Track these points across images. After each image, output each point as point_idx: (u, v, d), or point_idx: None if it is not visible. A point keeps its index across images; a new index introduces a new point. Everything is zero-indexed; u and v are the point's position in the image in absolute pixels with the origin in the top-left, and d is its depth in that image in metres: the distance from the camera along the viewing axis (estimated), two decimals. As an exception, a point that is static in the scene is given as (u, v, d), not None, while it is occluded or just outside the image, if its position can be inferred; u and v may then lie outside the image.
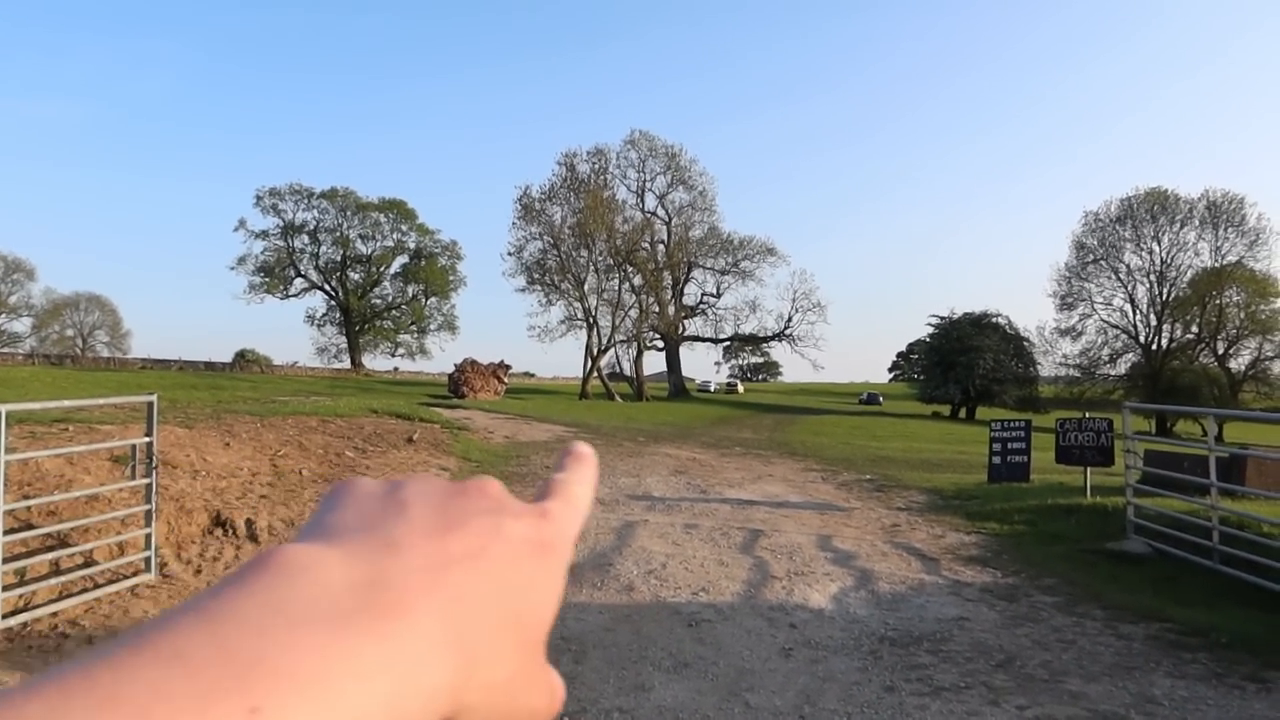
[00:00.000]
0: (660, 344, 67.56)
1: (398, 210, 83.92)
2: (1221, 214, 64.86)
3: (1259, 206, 69.02)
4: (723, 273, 68.16)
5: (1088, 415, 11.75)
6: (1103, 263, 66.93)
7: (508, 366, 42.23)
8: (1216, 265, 64.30)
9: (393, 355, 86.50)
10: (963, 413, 63.62)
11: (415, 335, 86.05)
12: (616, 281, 55.98)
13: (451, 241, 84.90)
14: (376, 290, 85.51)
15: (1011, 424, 13.82)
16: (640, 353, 59.98)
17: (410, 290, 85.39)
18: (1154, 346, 65.92)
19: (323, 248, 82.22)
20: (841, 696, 5.04)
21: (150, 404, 6.90)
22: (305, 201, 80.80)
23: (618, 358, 61.05)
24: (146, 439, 6.84)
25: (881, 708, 4.89)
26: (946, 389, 62.09)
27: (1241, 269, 63.90)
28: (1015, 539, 9.49)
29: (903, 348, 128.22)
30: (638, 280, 58.71)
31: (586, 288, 53.90)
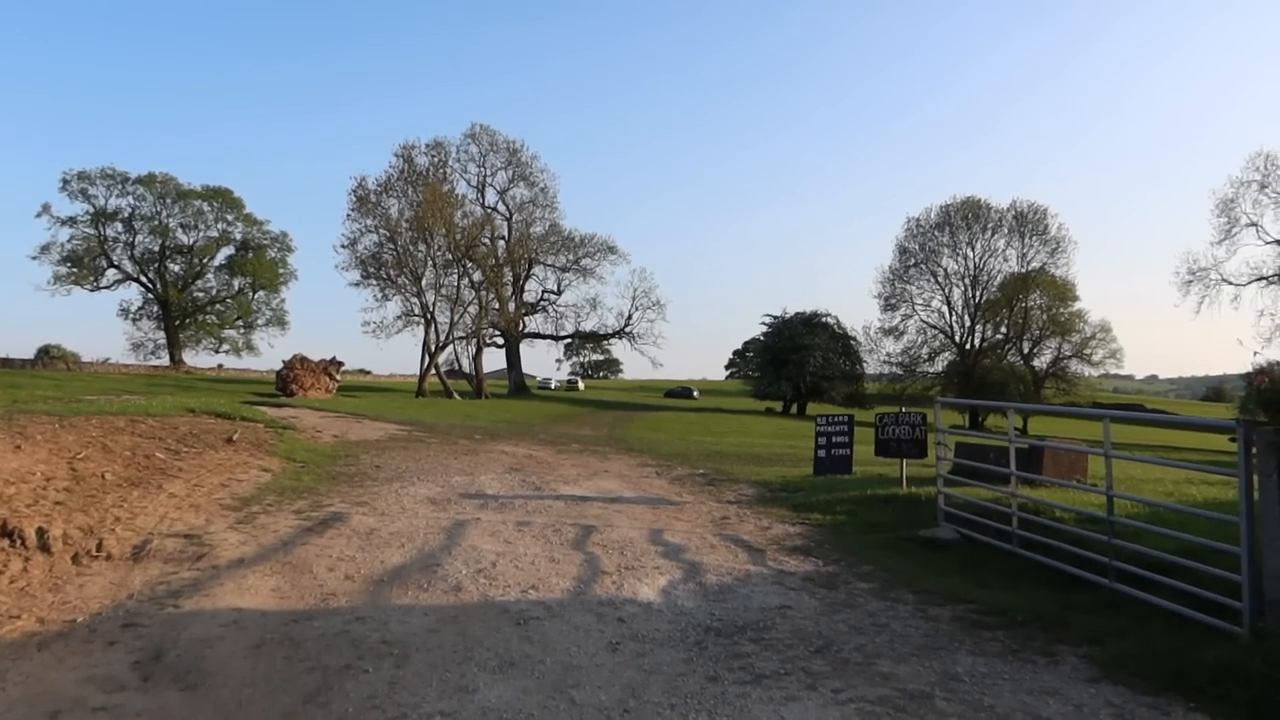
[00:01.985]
0: (500, 341, 66.94)
1: (223, 199, 79.68)
2: (1027, 223, 69.86)
3: (1059, 217, 74.20)
4: (564, 270, 68.24)
5: (903, 410, 12.38)
6: (923, 266, 70.84)
7: (340, 363, 40.85)
8: (1023, 270, 69.12)
9: (216, 352, 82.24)
10: (794, 408, 65.92)
11: (241, 331, 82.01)
12: (456, 277, 55.05)
13: (281, 233, 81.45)
14: (199, 283, 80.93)
15: (836, 419, 14.41)
16: (480, 350, 59.23)
17: (236, 283, 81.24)
18: (968, 346, 70.25)
19: (139, 237, 77.15)
20: (666, 688, 5.09)
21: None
22: (119, 187, 75.57)
23: (456, 355, 60.06)
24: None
25: (705, 697, 4.97)
26: (779, 385, 64.22)
27: (1044, 274, 68.98)
28: (837, 529, 9.89)
29: (739, 345, 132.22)
30: (477, 276, 57.87)
31: (424, 283, 52.69)
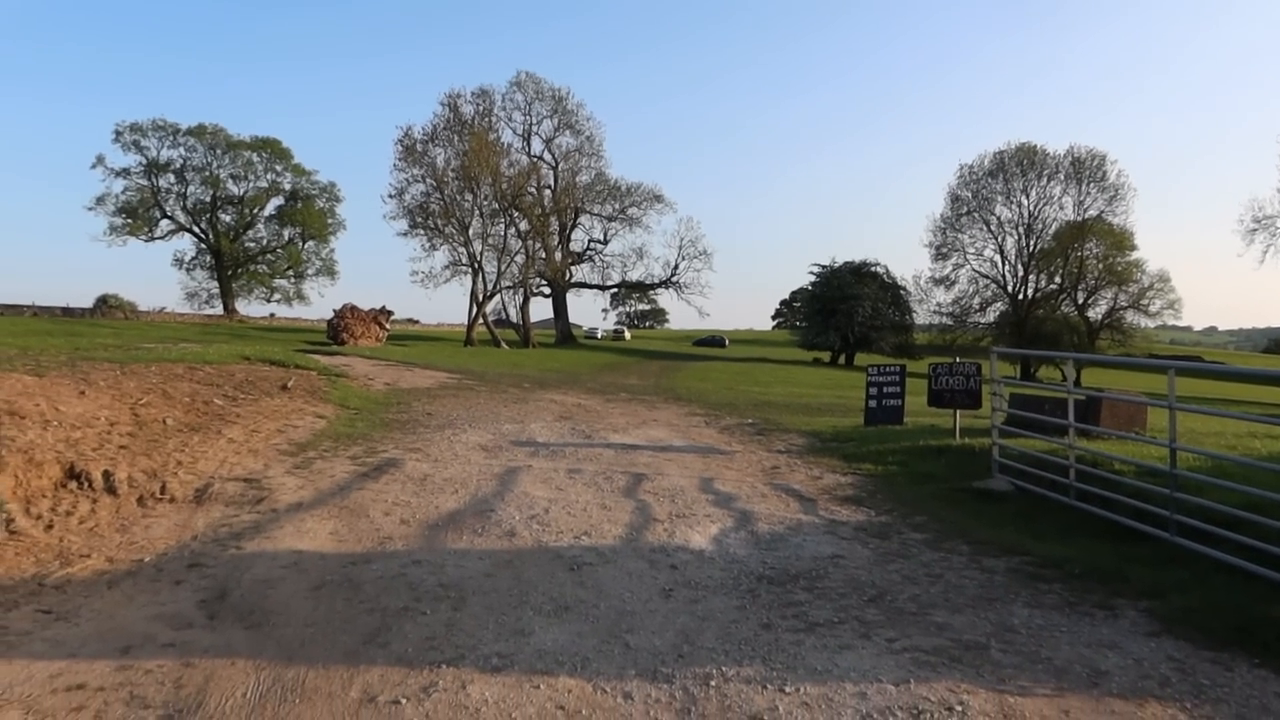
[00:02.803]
0: (547, 290, 67.07)
1: (271, 149, 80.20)
2: (1085, 170, 67.91)
3: (1119, 164, 72.09)
4: (610, 219, 67.96)
5: (958, 360, 12.20)
6: (975, 214, 69.37)
7: (390, 312, 41.25)
8: (1079, 219, 67.42)
9: (268, 301, 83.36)
10: (842, 359, 65.40)
11: (292, 280, 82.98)
12: (502, 226, 55.07)
13: (329, 183, 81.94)
14: (250, 233, 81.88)
15: (887, 369, 14.26)
16: (527, 299, 59.43)
17: (286, 233, 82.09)
18: (1020, 296, 68.92)
19: (190, 188, 78.03)
20: (720, 635, 5.11)
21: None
22: (170, 138, 76.29)
23: (504, 304, 60.31)
24: (-14, 386, 6.36)
25: (758, 644, 4.98)
26: (827, 336, 63.70)
27: (1101, 223, 67.22)
28: (889, 479, 9.82)
29: (786, 295, 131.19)
30: (524, 225, 57.89)
31: (471, 232, 52.81)
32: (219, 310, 77.62)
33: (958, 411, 11.82)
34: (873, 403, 13.91)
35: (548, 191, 64.80)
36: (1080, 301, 69.33)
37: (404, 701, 4.14)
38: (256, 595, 5.53)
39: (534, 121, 65.33)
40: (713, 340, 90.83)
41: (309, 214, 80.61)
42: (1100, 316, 68.74)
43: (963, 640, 5.14)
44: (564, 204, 64.40)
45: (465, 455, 10.09)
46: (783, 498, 8.78)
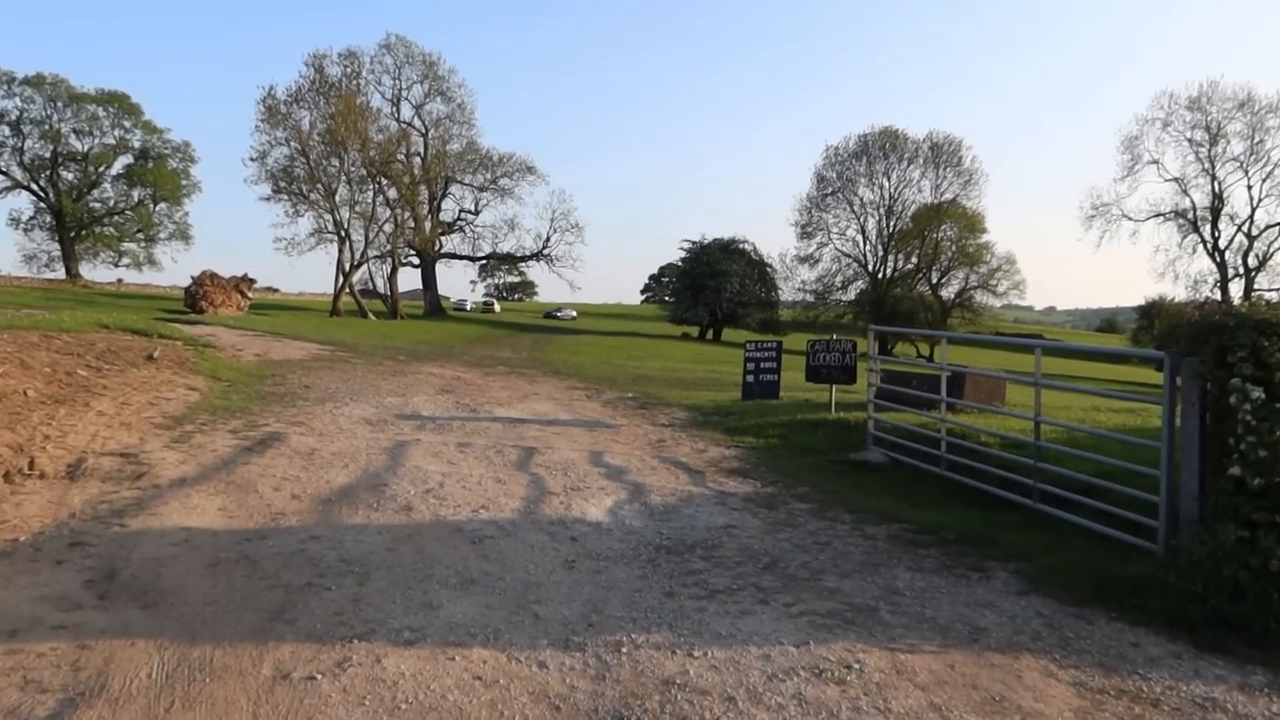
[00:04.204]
0: (416, 261, 65.62)
1: (119, 104, 75.22)
2: (943, 154, 71.04)
3: (973, 150, 75.76)
4: (481, 189, 66.86)
5: (835, 337, 12.69)
6: (840, 195, 71.60)
7: (252, 280, 39.61)
8: (936, 202, 70.50)
9: (116, 265, 78.55)
10: (710, 334, 66.54)
11: (142, 244, 78.35)
12: (371, 194, 53.50)
13: (184, 142, 77.52)
14: (95, 193, 76.69)
15: (764, 345, 14.68)
16: (395, 269, 58.01)
17: (136, 194, 77.34)
18: (880, 275, 71.65)
19: (28, 141, 72.49)
20: (625, 604, 5.26)
21: None
22: (4, 87, 70.58)
23: (371, 274, 58.72)
24: None
25: (663, 612, 5.16)
26: (696, 311, 64.62)
27: (956, 206, 70.50)
28: (770, 452, 10.18)
29: (654, 270, 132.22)
30: (392, 194, 56.37)
31: (338, 199, 51.12)
32: (61, 274, 72.69)
33: (834, 386, 12.32)
34: (750, 378, 14.31)
35: (417, 159, 63.21)
36: (934, 281, 72.64)
37: (319, 677, 4.12)
38: (149, 574, 5.36)
39: (404, 87, 63.49)
40: (557, 313, 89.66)
41: (161, 174, 76.17)
42: (952, 295, 72.21)
43: (854, 603, 5.46)
44: (434, 172, 62.93)
45: (350, 429, 9.91)
46: (672, 470, 9.00)
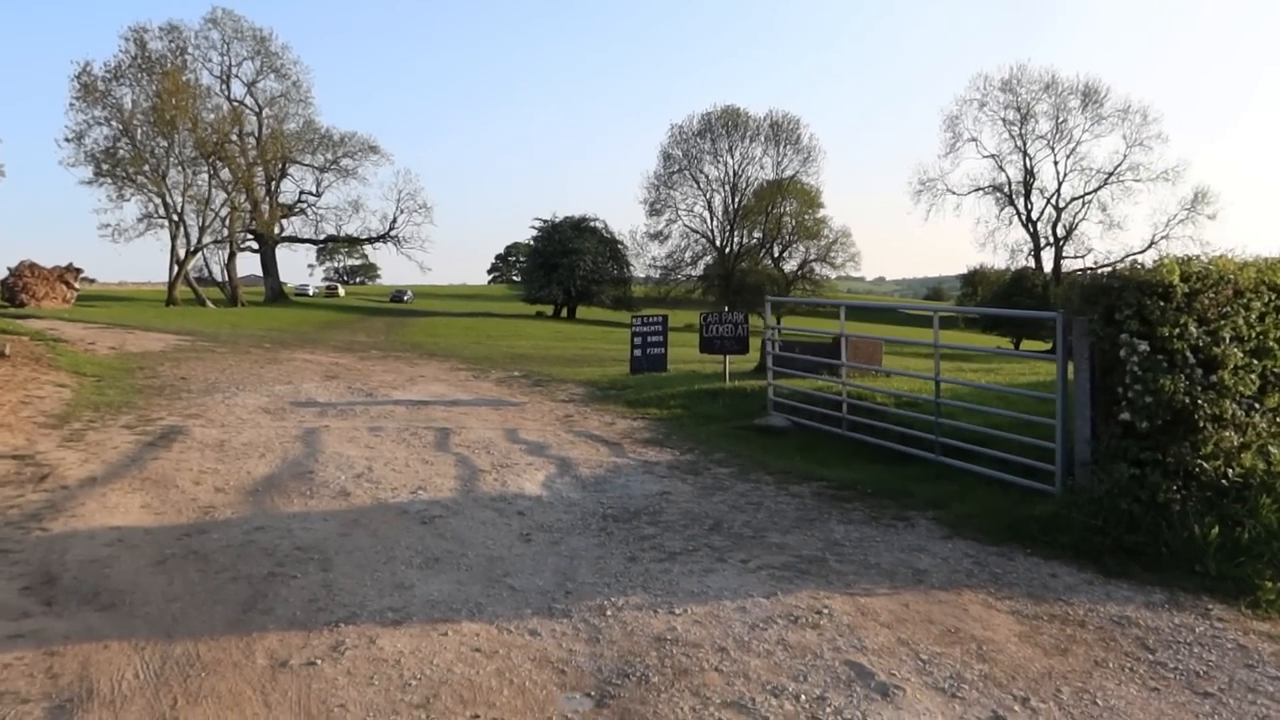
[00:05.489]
0: (255, 246, 62.67)
1: (-100, 80, 68.47)
2: (782, 132, 73.31)
3: (811, 128, 78.66)
4: (322, 170, 64.31)
5: (727, 310, 13.10)
6: (686, 172, 72.84)
7: (78, 271, 37.13)
8: (777, 178, 72.77)
9: (-95, 257, 71.63)
10: (564, 312, 66.58)
11: (-64, 234, 71.81)
12: (206, 177, 50.66)
13: (-20, 122, 71.21)
14: None
15: (650, 320, 14.97)
16: (233, 255, 55.28)
17: (-77, 177, 70.58)
18: (727, 250, 73.43)
19: None
20: (593, 571, 5.41)
21: None
22: None
23: (206, 261, 55.76)
24: None
25: (632, 576, 5.34)
26: (550, 290, 64.46)
27: (795, 183, 72.98)
28: (677, 421, 10.47)
29: (500, 250, 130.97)
30: (226, 175, 53.57)
31: (169, 182, 48.18)
32: None
33: (727, 357, 12.73)
34: (638, 351, 14.56)
35: (252, 140, 60.22)
36: (776, 255, 75.05)
37: (319, 662, 4.10)
38: (94, 576, 5.12)
39: (234, 64, 60.20)
40: (398, 296, 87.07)
41: (-46, 157, 69.85)
42: (794, 269, 74.83)
43: (803, 556, 5.80)
44: (270, 153, 60.11)
45: (252, 419, 9.56)
46: (589, 443, 9.14)
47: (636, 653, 4.30)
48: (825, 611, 4.85)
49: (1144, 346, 6.11)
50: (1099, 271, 6.98)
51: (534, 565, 5.48)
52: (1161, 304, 6.08)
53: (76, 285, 37.03)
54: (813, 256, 75.39)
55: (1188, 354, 6.07)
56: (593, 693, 3.92)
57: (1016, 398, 8.87)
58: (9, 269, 35.01)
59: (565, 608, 4.82)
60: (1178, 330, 6.07)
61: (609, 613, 4.76)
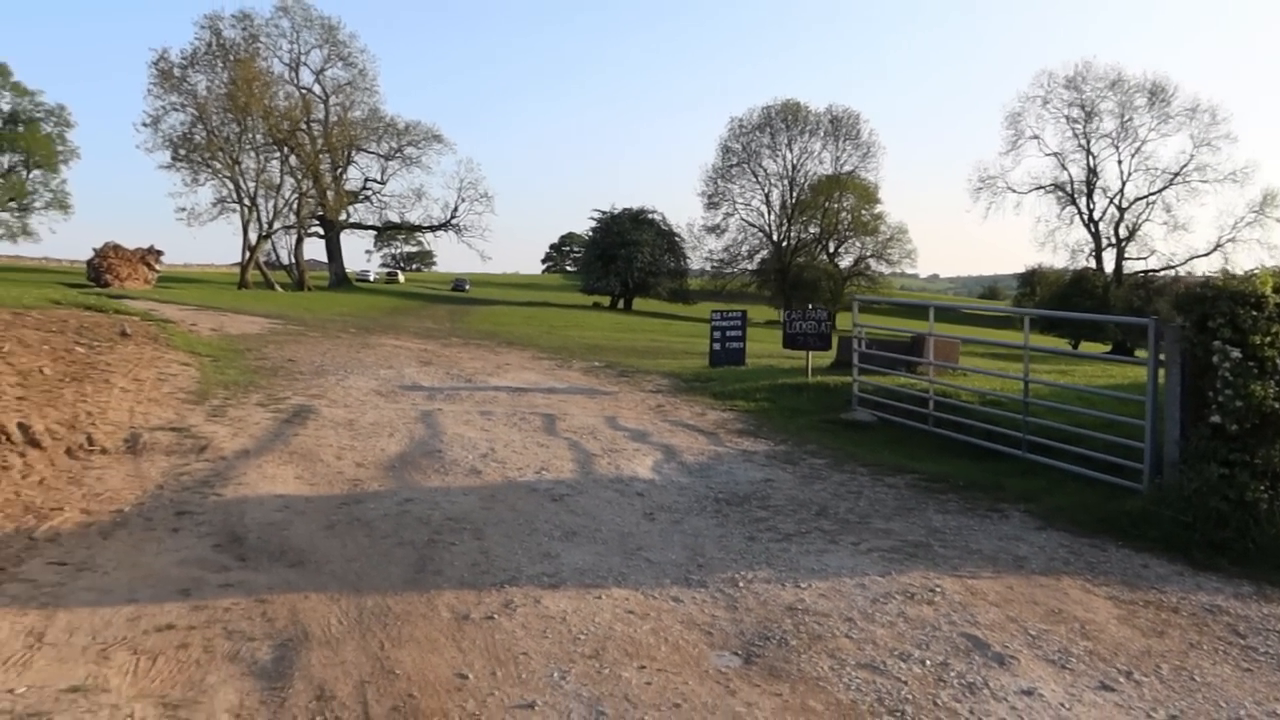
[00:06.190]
0: (321, 231, 64.12)
1: (-16, 64, 70.76)
2: (842, 127, 73.12)
3: (870, 123, 78.20)
4: (387, 158, 65.49)
5: (811, 306, 13.54)
6: (744, 166, 72.97)
7: (159, 252, 38.50)
8: (835, 173, 72.63)
9: (-11, 237, 74.01)
10: (621, 303, 67.15)
11: (16, 214, 74.15)
12: (277, 163, 52.08)
13: (58, 106, 73.30)
14: (-42, 158, 72.10)
15: (729, 315, 15.44)
16: (300, 240, 56.72)
17: (6, 160, 72.99)
18: (784, 244, 73.47)
19: (-122, 101, 67.67)
20: (718, 548, 5.92)
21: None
22: None
23: (274, 245, 57.27)
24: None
25: (755, 553, 5.84)
26: (607, 281, 65.07)
27: (852, 178, 72.78)
28: (764, 414, 10.93)
29: (555, 240, 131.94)
30: (294, 162, 54.95)
31: (241, 167, 49.60)
32: (-79, 246, 68.32)
33: (809, 353, 13.15)
34: (717, 345, 15.05)
35: (317, 126, 61.58)
36: (831, 250, 74.95)
37: (496, 616, 4.65)
38: (275, 537, 5.74)
39: (302, 51, 61.59)
40: (465, 285, 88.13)
41: (33, 139, 71.99)
42: (850, 265, 74.66)
43: (908, 540, 6.25)
44: (337, 141, 61.42)
45: (370, 401, 10.23)
46: (687, 432, 9.65)
47: (772, 619, 4.79)
48: (937, 590, 5.30)
49: (1236, 353, 6.47)
50: (1182, 278, 7.32)
51: (663, 541, 6.00)
52: (1254, 313, 6.43)
53: (157, 267, 38.43)
54: (869, 253, 75.20)
55: (1278, 361, 6.43)
56: (739, 651, 4.42)
57: (1098, 398, 9.23)
58: (95, 250, 36.48)
59: (700, 579, 5.33)
60: (1269, 338, 6.42)
61: (741, 584, 5.26)
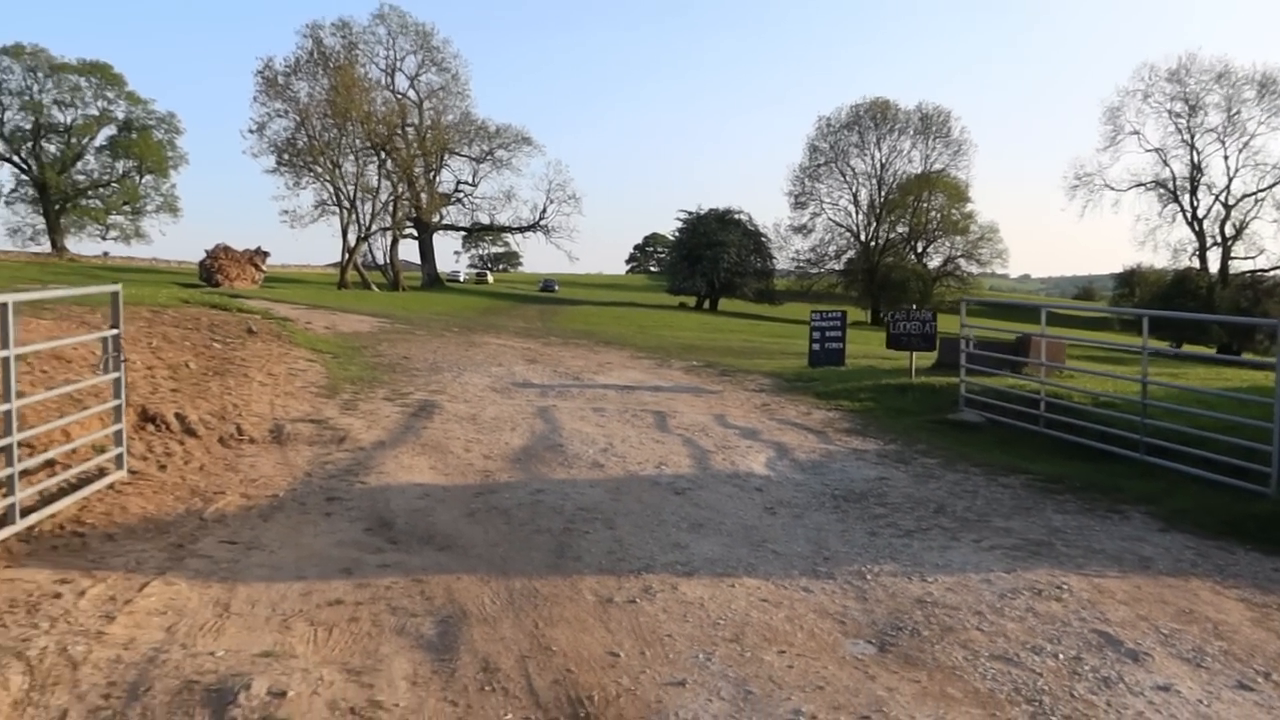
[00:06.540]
0: (415, 233, 65.84)
1: (101, 74, 74.35)
2: (932, 125, 72.10)
3: (961, 121, 77.04)
4: (479, 160, 66.94)
5: (915, 307, 13.57)
6: (832, 165, 72.51)
7: (266, 254, 40.09)
8: (925, 171, 71.57)
9: (104, 238, 77.96)
10: (707, 304, 67.26)
11: (129, 217, 77.85)
12: (375, 166, 53.73)
13: (168, 113, 76.87)
14: (79, 165, 76.03)
15: (829, 315, 15.54)
16: (395, 241, 58.38)
17: (121, 166, 76.71)
18: (871, 244, 72.72)
19: (9, 113, 71.71)
20: (841, 542, 6.08)
21: (115, 294, 6.63)
22: (-19, 57, 69.84)
23: (370, 247, 59.05)
24: (114, 331, 6.58)
25: (878, 547, 5.98)
26: (694, 281, 65.31)
27: (942, 176, 71.62)
28: (869, 414, 11.02)
29: (639, 240, 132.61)
30: (390, 165, 56.58)
31: (343, 171, 51.35)
32: (46, 248, 72.14)
33: (913, 354, 13.17)
34: (816, 345, 15.16)
35: (411, 130, 63.24)
36: (919, 250, 73.88)
37: (638, 601, 4.91)
38: (421, 523, 6.10)
39: (398, 57, 63.37)
40: (547, 285, 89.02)
41: (146, 146, 75.52)
42: (938, 265, 73.49)
43: (1029, 539, 6.31)
44: (431, 145, 63.02)
45: (488, 397, 10.65)
46: (796, 431, 9.81)
47: (902, 611, 4.94)
48: (1065, 587, 5.37)
49: (1371, 357, 6.37)
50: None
51: (786, 534, 6.19)
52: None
53: (263, 267, 40.05)
54: (958, 252, 73.95)
55: None
56: (873, 640, 4.59)
57: (1217, 400, 9.10)
58: (206, 251, 38.28)
59: (828, 571, 5.51)
60: None
61: (868, 577, 5.42)
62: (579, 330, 26.43)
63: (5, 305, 5.25)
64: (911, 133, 72.01)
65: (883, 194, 72.34)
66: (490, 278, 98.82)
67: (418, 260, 70.21)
